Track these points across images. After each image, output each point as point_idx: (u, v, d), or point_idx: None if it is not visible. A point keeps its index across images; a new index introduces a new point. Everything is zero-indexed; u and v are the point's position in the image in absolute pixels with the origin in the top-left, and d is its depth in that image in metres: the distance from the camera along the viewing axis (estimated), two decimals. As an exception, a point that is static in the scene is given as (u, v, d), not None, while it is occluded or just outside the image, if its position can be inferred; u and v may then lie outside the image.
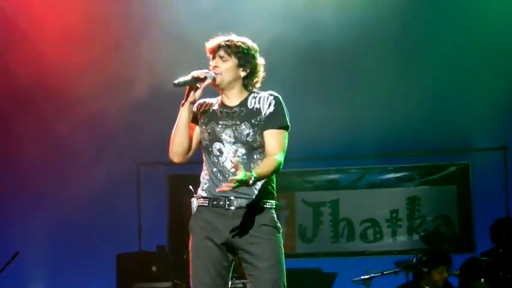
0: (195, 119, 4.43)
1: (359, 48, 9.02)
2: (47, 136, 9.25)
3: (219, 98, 4.43)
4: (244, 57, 4.35)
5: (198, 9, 8.58)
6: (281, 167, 4.26)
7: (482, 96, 9.13)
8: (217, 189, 4.14)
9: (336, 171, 9.99)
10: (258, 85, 4.45)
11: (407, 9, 9.03)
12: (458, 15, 8.99)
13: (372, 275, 7.88)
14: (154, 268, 8.47)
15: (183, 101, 4.33)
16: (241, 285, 7.40)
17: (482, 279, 7.28)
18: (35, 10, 8.77)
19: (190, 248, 4.38)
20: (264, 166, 4.20)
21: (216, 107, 4.41)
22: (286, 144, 4.33)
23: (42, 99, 9.16)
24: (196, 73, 4.30)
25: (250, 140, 4.30)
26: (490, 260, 7.45)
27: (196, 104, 4.41)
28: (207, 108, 4.43)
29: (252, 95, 4.40)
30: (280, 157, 4.24)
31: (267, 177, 4.23)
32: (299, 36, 8.60)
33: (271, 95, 4.37)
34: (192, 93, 4.31)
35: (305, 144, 8.84)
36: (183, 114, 4.33)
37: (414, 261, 7.60)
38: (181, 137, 4.35)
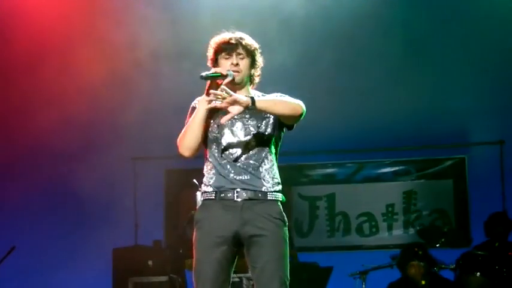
0: None
1: (354, 43, 9.01)
2: (43, 130, 9.24)
3: None
4: (255, 57, 4.42)
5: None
6: (299, 109, 4.29)
7: (480, 90, 9.14)
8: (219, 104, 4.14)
9: (332, 165, 9.99)
10: (255, 84, 4.50)
11: (408, 5, 9.05)
12: (458, 10, 8.99)
13: (368, 268, 7.90)
14: (150, 263, 8.47)
15: (203, 96, 4.30)
16: (237, 279, 7.40)
17: (478, 273, 7.30)
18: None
19: (194, 241, 4.37)
20: (269, 96, 4.28)
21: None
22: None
23: (37, 92, 9.14)
24: (219, 69, 4.30)
25: (261, 132, 4.34)
26: (485, 254, 7.47)
27: (196, 100, 4.43)
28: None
29: (253, 92, 4.44)
30: (296, 100, 4.30)
31: (273, 108, 4.23)
32: (297, 32, 8.61)
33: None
34: (215, 88, 4.27)
35: (301, 139, 8.83)
36: (203, 108, 4.30)
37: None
38: (198, 131, 4.32)
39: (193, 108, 4.42)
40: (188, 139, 4.33)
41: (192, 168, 9.85)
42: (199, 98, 4.44)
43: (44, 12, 8.75)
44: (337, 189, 9.88)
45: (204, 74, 4.23)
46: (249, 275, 6.89)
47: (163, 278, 8.22)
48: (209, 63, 4.46)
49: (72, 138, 9.31)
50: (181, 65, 8.65)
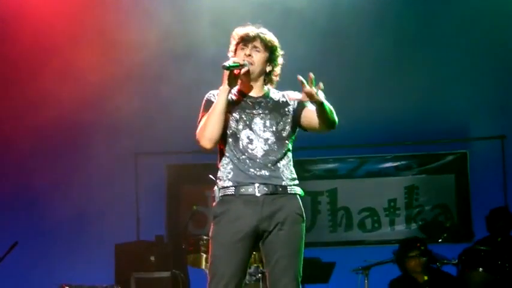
0: None
1: (356, 37, 9.00)
2: (45, 125, 9.24)
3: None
4: (274, 53, 4.45)
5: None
6: (336, 120, 4.33)
7: (481, 85, 9.14)
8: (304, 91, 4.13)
9: (334, 160, 9.98)
10: (274, 83, 4.53)
11: (409, 1, 9.06)
12: (460, 4, 8.98)
13: (370, 264, 7.89)
14: (152, 258, 8.45)
15: (222, 87, 4.30)
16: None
17: (481, 269, 7.29)
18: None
19: (211, 236, 4.35)
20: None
21: (235, 96, 4.42)
22: None
23: (39, 89, 9.15)
24: (236, 59, 4.32)
25: (280, 129, 4.38)
26: (488, 249, 7.46)
27: (213, 95, 4.42)
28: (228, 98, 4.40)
29: (272, 90, 4.49)
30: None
31: (326, 112, 4.23)
32: (299, 29, 8.61)
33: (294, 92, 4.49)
34: (233, 78, 4.29)
35: (303, 134, 8.82)
36: (223, 98, 4.29)
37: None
38: (221, 122, 4.29)
39: (209, 101, 4.41)
40: (210, 130, 4.29)
41: (193, 163, 9.92)
42: (213, 92, 4.45)
43: (47, 11, 8.77)
44: (339, 184, 9.87)
45: (226, 64, 4.26)
46: (251, 270, 6.91)
47: (166, 274, 8.20)
48: (230, 54, 4.47)
49: (75, 134, 9.33)
50: (183, 63, 8.66)
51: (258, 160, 4.31)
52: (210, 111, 4.31)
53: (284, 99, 4.47)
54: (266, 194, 4.29)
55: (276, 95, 4.50)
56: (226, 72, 4.27)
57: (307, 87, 4.13)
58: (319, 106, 4.20)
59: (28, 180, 9.46)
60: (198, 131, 4.35)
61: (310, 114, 4.38)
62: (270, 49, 4.43)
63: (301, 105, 4.43)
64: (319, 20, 8.69)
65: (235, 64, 4.28)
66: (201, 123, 4.35)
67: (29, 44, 8.86)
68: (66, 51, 8.88)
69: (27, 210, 9.44)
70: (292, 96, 4.32)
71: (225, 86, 4.29)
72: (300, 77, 4.12)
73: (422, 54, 9.22)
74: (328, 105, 4.24)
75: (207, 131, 4.28)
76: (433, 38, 9.16)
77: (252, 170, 4.30)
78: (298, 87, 4.46)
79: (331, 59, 8.93)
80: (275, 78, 4.51)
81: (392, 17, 8.98)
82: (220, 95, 4.30)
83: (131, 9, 8.81)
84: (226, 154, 4.37)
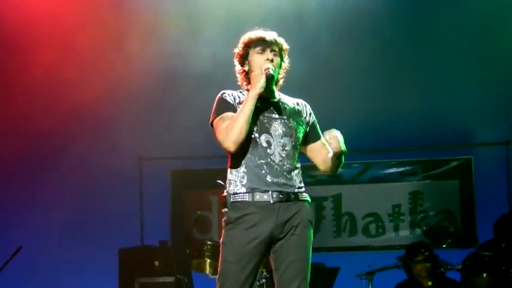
0: (234, 110, 4.35)
1: (357, 41, 9.00)
2: (49, 130, 9.26)
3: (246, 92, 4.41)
4: (283, 58, 4.47)
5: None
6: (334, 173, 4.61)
7: (485, 90, 9.13)
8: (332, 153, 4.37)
9: (339, 165, 9.96)
10: (279, 87, 4.52)
11: (414, 4, 9.05)
12: (460, 8, 8.98)
13: (375, 269, 7.88)
14: (156, 263, 8.45)
15: (255, 90, 4.25)
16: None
17: (485, 274, 7.27)
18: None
19: (223, 241, 4.32)
20: None
21: None
22: None
23: (44, 92, 9.17)
24: (271, 67, 4.32)
25: (297, 135, 4.39)
26: (492, 254, 7.43)
27: (229, 95, 4.40)
28: (242, 100, 4.38)
29: (282, 95, 4.50)
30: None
31: (339, 163, 4.54)
32: (304, 32, 8.62)
33: (306, 104, 4.56)
34: (264, 84, 4.28)
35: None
36: (253, 104, 4.24)
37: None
38: (247, 126, 4.22)
39: (223, 100, 4.38)
40: (237, 133, 4.21)
41: (198, 169, 9.91)
42: (227, 91, 4.42)
43: (49, 15, 8.82)
44: (343, 189, 9.85)
45: (271, 72, 4.27)
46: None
47: (170, 279, 8.19)
48: (236, 58, 4.46)
49: (79, 139, 9.34)
50: (189, 68, 8.67)
51: (275, 167, 4.29)
52: (237, 114, 4.25)
53: (299, 108, 4.49)
54: (281, 202, 4.28)
55: (288, 100, 4.50)
56: (263, 79, 4.25)
57: (337, 146, 4.34)
58: (338, 157, 4.40)
59: (31, 185, 9.47)
60: (222, 133, 4.27)
61: (318, 149, 4.52)
62: (282, 53, 4.44)
63: (314, 132, 4.53)
64: (320, 24, 8.69)
65: (274, 73, 4.31)
66: (222, 124, 4.28)
67: (38, 49, 8.92)
68: (72, 56, 8.92)
69: (30, 214, 9.44)
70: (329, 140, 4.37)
71: (257, 92, 4.24)
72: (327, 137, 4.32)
73: (428, 60, 9.22)
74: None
75: (233, 134, 4.21)
76: (439, 44, 9.15)
77: (269, 176, 4.28)
78: (295, 93, 4.50)
79: (335, 64, 8.94)
80: (281, 82, 4.50)
81: (398, 22, 8.98)
82: (250, 100, 4.23)
83: (138, 19, 8.84)
84: (241, 157, 4.31)
